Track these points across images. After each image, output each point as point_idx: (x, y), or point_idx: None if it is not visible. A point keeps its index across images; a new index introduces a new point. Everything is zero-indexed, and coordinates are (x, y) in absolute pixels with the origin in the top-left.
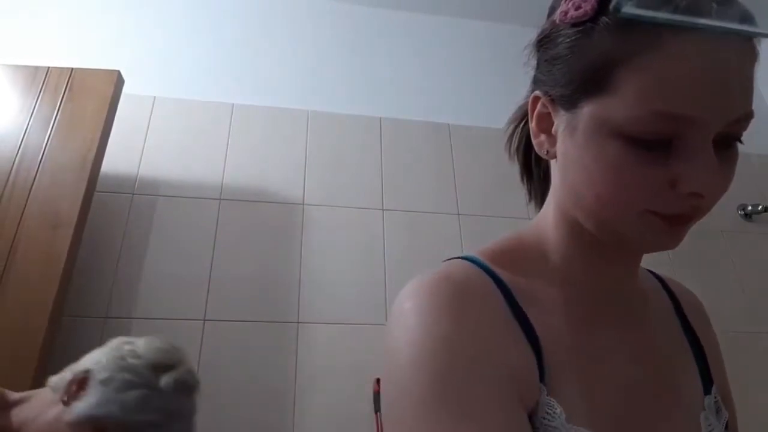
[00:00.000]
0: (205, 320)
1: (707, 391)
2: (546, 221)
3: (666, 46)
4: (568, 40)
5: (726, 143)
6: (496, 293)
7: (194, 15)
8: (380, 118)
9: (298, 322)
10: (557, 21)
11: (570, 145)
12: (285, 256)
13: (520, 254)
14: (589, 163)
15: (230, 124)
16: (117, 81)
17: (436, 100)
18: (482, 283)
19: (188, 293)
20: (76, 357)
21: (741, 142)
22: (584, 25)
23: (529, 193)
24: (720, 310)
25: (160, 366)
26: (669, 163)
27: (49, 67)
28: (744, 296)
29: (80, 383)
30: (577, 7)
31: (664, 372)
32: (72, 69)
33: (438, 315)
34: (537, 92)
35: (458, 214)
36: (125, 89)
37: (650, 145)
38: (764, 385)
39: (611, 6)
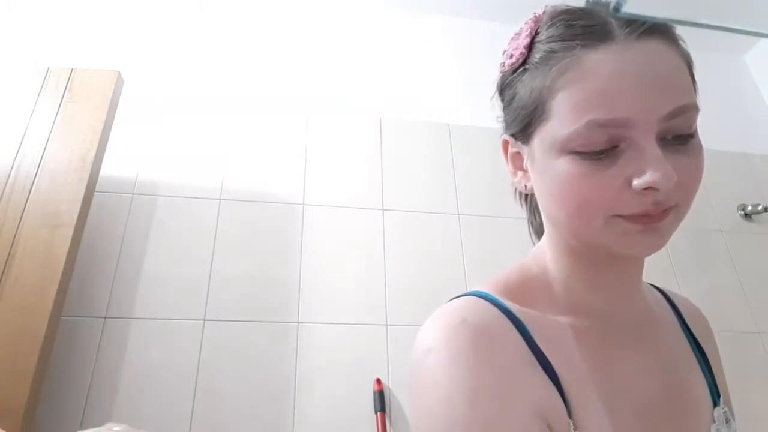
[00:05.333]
0: (205, 320)
1: (715, 402)
2: (543, 252)
3: (582, 63)
4: (512, 83)
5: (677, 138)
6: (513, 332)
7: (194, 15)
8: (380, 118)
9: (298, 322)
10: (501, 71)
11: (535, 175)
12: (285, 256)
13: (528, 287)
14: (550, 185)
15: (230, 124)
16: (117, 81)
17: (436, 100)
18: (499, 322)
19: (188, 293)
20: (75, 357)
21: (693, 135)
22: (519, 69)
23: (536, 237)
24: (720, 310)
25: None
26: (619, 165)
27: (48, 67)
28: (744, 296)
29: None
30: (510, 56)
31: (677, 388)
32: (72, 69)
33: (463, 369)
34: (504, 135)
35: (458, 214)
36: (126, 89)
37: (598, 154)
38: (764, 385)
39: (611, 6)
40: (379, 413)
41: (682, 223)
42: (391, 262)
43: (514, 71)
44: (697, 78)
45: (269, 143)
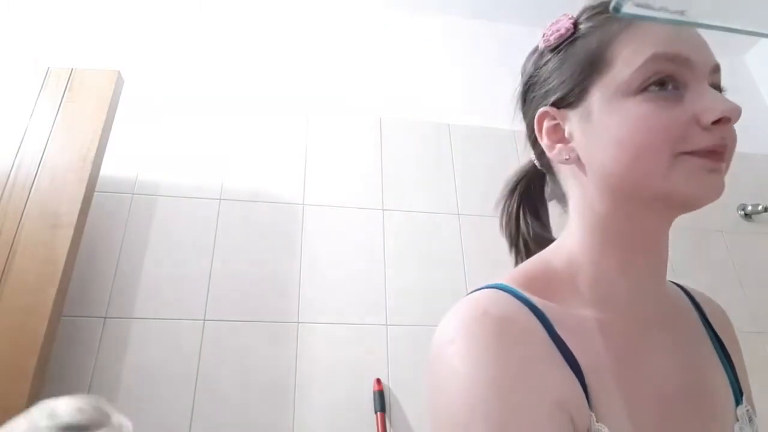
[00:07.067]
0: (205, 320)
1: (738, 401)
2: (572, 241)
3: (642, 23)
4: (558, 54)
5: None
6: (535, 324)
7: (194, 15)
8: (380, 118)
9: (298, 322)
10: (541, 48)
11: (590, 131)
12: (285, 256)
13: (551, 279)
14: (615, 130)
15: (230, 124)
16: (117, 81)
17: (436, 100)
18: (521, 315)
19: (188, 293)
20: (75, 357)
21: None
22: (568, 39)
23: (534, 246)
24: None
25: (72, 428)
26: (684, 105)
27: (49, 67)
28: (744, 296)
29: None
30: (556, 30)
31: (699, 385)
32: (72, 69)
33: (484, 359)
34: (542, 108)
35: (458, 214)
36: (126, 89)
37: (664, 93)
38: (765, 385)
39: (611, 6)
40: (379, 413)
41: (682, 223)
42: (391, 262)
43: (561, 42)
44: None
45: (269, 143)
